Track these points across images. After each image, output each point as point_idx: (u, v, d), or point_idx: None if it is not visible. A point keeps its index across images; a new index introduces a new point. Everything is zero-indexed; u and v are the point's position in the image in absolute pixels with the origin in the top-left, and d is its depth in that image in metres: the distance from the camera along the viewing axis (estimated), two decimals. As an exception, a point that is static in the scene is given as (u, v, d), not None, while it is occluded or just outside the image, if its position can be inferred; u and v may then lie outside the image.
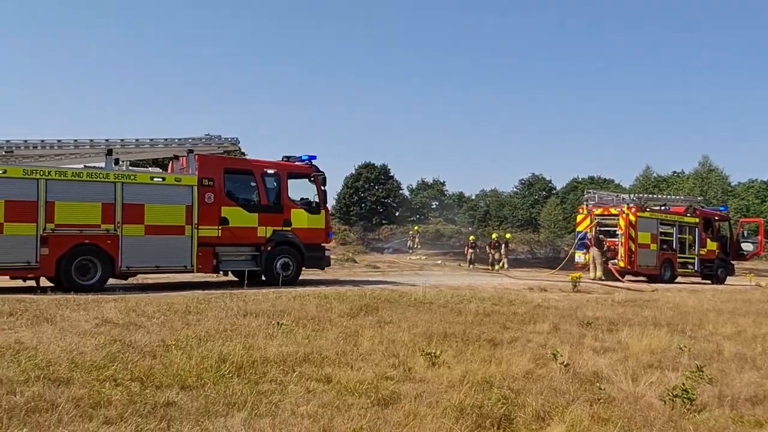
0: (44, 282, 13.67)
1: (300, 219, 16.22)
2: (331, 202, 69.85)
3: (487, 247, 32.26)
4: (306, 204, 16.58)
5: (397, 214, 68.31)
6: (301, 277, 16.58)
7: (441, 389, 6.56)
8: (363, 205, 66.39)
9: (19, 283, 14.11)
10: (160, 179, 14.94)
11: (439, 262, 34.34)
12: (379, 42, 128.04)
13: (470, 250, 32.04)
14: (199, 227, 14.73)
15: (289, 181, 16.42)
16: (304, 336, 8.82)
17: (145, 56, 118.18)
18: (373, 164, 68.89)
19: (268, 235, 15.74)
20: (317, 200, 16.69)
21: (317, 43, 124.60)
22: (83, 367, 6.65)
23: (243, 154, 54.09)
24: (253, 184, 15.91)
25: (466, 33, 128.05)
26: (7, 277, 13.84)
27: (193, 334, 8.55)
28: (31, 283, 13.77)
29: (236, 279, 16.66)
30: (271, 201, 16.00)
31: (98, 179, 13.90)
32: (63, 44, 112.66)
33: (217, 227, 15.01)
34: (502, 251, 31.53)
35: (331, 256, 18.93)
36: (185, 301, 11.38)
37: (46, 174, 13.28)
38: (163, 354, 7.39)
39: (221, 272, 16.21)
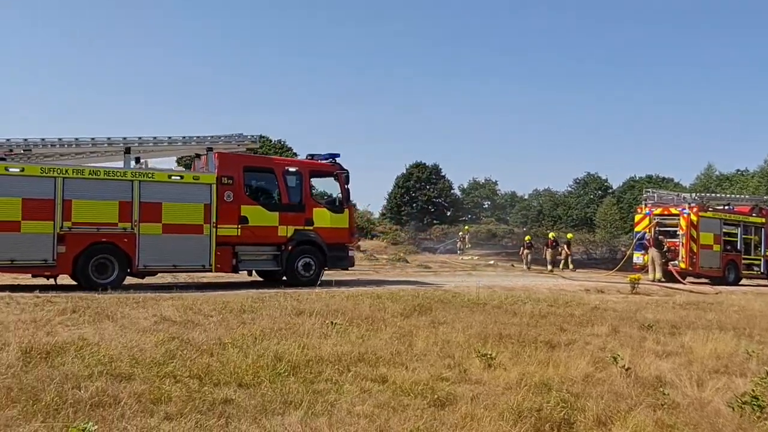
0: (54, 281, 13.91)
1: (323, 218, 15.97)
2: (381, 202, 70.48)
3: (544, 247, 31.64)
4: (329, 203, 16.41)
5: (448, 213, 67.99)
6: (351, 277, 16.64)
7: (498, 391, 6.48)
8: (414, 204, 66.31)
9: (38, 280, 14.16)
10: (178, 177, 14.89)
11: (492, 262, 34.00)
12: (429, 40, 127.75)
13: (526, 251, 31.57)
14: (218, 226, 14.62)
15: (311, 179, 16.26)
16: (358, 336, 8.84)
17: (208, 56, 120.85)
18: (425, 164, 68.75)
19: (289, 235, 15.50)
20: (341, 199, 16.41)
21: (367, 42, 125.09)
22: (143, 363, 6.83)
23: (295, 154, 54.61)
24: (274, 182, 15.71)
25: (519, 31, 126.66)
26: (29, 275, 14.06)
27: (249, 332, 8.66)
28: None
29: (261, 279, 16.77)
30: (292, 200, 15.74)
31: (115, 177, 13.92)
32: (116, 44, 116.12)
33: (236, 226, 14.89)
34: (564, 251, 30.91)
35: (383, 257, 18.92)
36: (240, 300, 11.56)
37: (64, 172, 13.39)
38: (220, 352, 7.52)
39: (240, 272, 16.01)
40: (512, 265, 32.19)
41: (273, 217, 15.35)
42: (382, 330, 9.40)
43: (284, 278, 15.73)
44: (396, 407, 5.75)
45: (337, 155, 16.70)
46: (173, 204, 14.22)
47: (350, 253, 16.57)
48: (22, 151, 13.72)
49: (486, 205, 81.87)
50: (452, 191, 71.10)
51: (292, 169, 15.92)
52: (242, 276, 17.05)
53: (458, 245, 42.22)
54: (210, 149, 15.05)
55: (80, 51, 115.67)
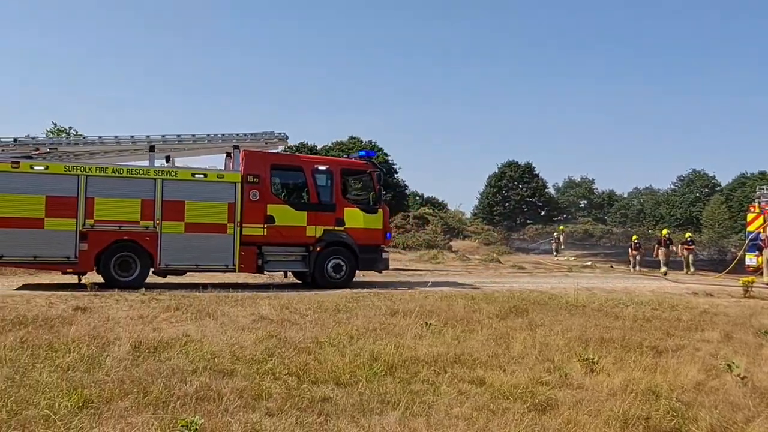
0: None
1: (355, 218, 15.52)
2: (473, 202, 69.96)
3: (655, 246, 29.95)
4: (362, 203, 15.94)
5: (542, 213, 66.52)
6: (442, 278, 16.49)
7: (601, 397, 6.25)
8: (506, 204, 65.33)
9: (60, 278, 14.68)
10: (202, 176, 14.61)
11: (589, 263, 32.94)
12: (522, 38, 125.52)
13: (634, 252, 30.16)
14: (243, 225, 14.52)
15: (343, 178, 15.86)
16: (453, 337, 8.79)
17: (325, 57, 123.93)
18: (517, 162, 67.60)
19: (318, 235, 15.13)
20: (374, 199, 15.88)
21: (457, 41, 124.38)
22: (244, 360, 7.07)
23: (386, 155, 54.84)
24: (302, 181, 15.47)
25: (617, 27, 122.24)
26: (50, 271, 14.60)
27: (344, 331, 8.80)
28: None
29: (299, 282, 16.58)
30: (322, 199, 15.39)
31: (138, 176, 14.02)
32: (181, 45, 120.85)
33: (262, 225, 14.69)
34: (682, 250, 29.35)
35: (475, 257, 18.48)
36: (335, 300, 11.76)
37: (87, 170, 13.62)
38: (317, 351, 7.67)
39: (266, 273, 15.75)
40: (611, 267, 31.10)
41: (301, 217, 15.05)
42: (477, 331, 9.30)
43: (312, 280, 15.38)
44: (495, 410, 5.67)
45: (373, 153, 16.50)
46: (196, 202, 14.23)
47: (384, 255, 16.00)
48: (47, 150, 14.24)
49: (582, 205, 79.50)
50: (546, 190, 69.52)
51: (321, 168, 15.61)
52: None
53: (553, 245, 41.20)
54: (236, 147, 15.12)
55: (184, 51, 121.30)
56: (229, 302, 11.22)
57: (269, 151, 15.90)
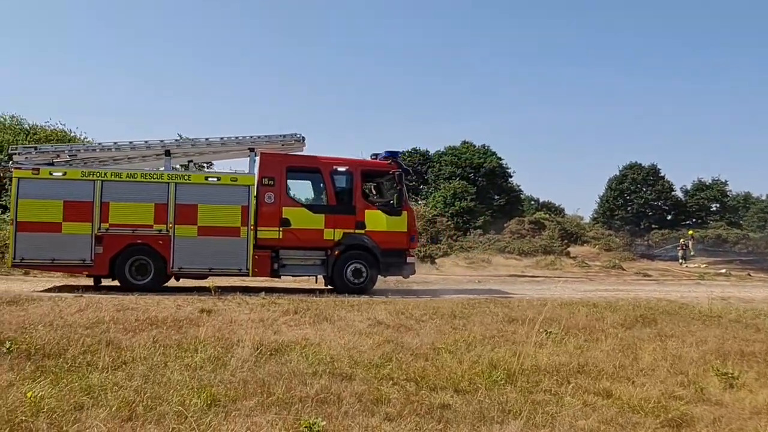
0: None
1: (376, 221, 15.01)
2: (592, 206, 67.59)
3: None
4: (384, 205, 15.31)
5: (669, 217, 63.16)
6: (563, 285, 15.99)
7: (743, 415, 5.85)
8: (629, 208, 62.59)
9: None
10: (215, 179, 14.70)
11: (723, 270, 30.91)
12: (647, 39, 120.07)
13: None
14: (259, 228, 14.45)
15: (364, 179, 15.47)
16: (575, 346, 8.51)
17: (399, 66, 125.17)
18: (640, 164, 64.63)
19: (337, 239, 14.80)
20: (401, 200, 15.25)
21: (568, 40, 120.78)
22: (362, 364, 7.18)
23: (499, 159, 53.88)
24: (320, 183, 15.19)
25: (741, 20, 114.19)
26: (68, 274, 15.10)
27: (461, 338, 8.75)
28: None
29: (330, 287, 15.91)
30: (340, 201, 15.02)
31: (152, 180, 14.36)
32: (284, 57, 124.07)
33: (278, 229, 14.54)
34: None
35: (596, 263, 17.41)
36: (450, 306, 11.72)
37: (102, 175, 14.06)
38: (434, 357, 7.67)
39: (282, 277, 15.32)
40: (748, 275, 29.01)
41: (318, 220, 14.77)
42: (601, 341, 8.96)
43: (332, 285, 15.13)
44: (624, 425, 5.43)
45: (397, 154, 15.81)
46: (209, 206, 14.27)
47: (409, 259, 15.27)
48: (68, 156, 14.83)
49: (714, 208, 74.66)
50: (673, 193, 65.93)
51: (341, 169, 15.19)
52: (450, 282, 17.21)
53: (680, 252, 38.98)
54: (252, 150, 15.07)
55: (292, 53, 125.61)
56: (345, 307, 11.44)
57: (288, 153, 15.65)
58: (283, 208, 14.57)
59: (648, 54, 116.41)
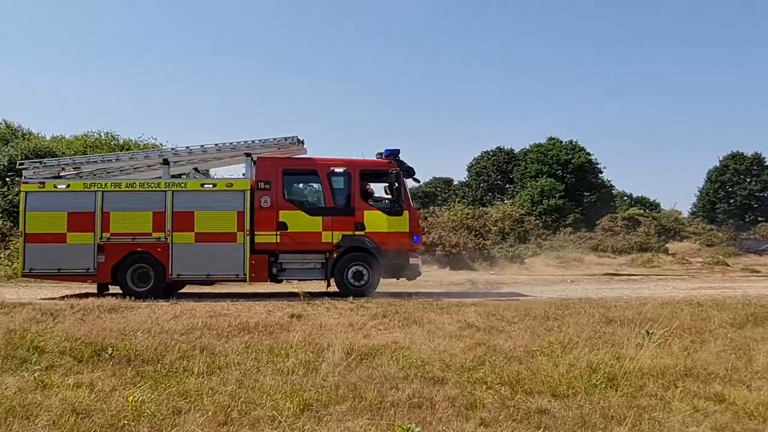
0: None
1: (377, 222, 14.66)
2: (691, 200, 64.66)
3: None
4: (384, 205, 14.98)
5: (777, 209, 59.53)
6: (663, 284, 15.26)
7: None
8: (732, 201, 59.45)
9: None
10: (211, 186, 14.87)
11: (844, 265, 28.84)
12: (728, 24, 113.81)
13: None
14: (256, 233, 14.43)
15: (363, 180, 15.05)
16: (681, 347, 8.08)
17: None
18: (743, 154, 61.26)
19: (336, 241, 14.56)
20: (400, 200, 14.81)
21: (660, 30, 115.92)
22: (454, 368, 7.09)
23: (588, 155, 52.51)
24: (316, 185, 15.08)
25: None
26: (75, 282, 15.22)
27: (556, 340, 8.49)
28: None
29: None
30: (338, 203, 14.78)
31: (150, 189, 14.55)
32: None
33: (275, 233, 14.46)
34: None
35: (697, 260, 16.26)
36: (543, 307, 11.41)
37: (103, 186, 14.45)
38: (529, 360, 7.47)
39: (281, 281, 15.14)
40: None
41: (315, 223, 14.58)
42: (709, 342, 8.48)
43: (335, 288, 14.81)
44: (740, 432, 5.08)
45: (398, 152, 15.21)
46: (205, 212, 14.38)
47: (412, 260, 14.80)
48: (72, 169, 15.31)
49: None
50: (780, 182, 62.16)
51: (338, 170, 14.88)
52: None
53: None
54: (249, 155, 15.07)
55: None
56: (434, 310, 11.35)
57: (284, 156, 15.49)
58: (280, 211, 14.53)
59: (740, 42, 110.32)
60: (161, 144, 37.40)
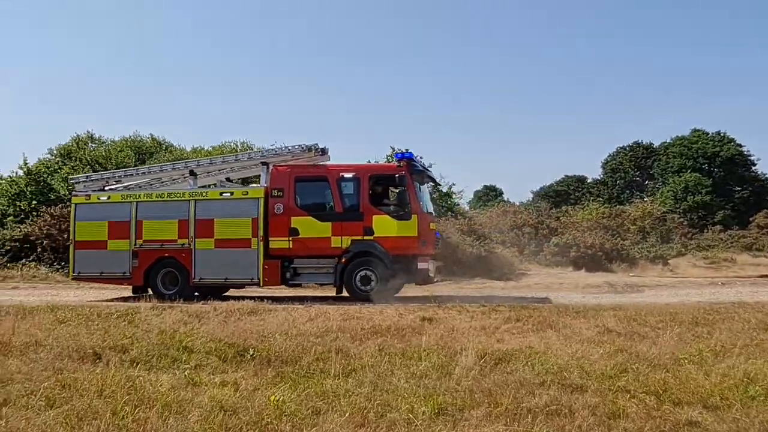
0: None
1: (386, 227, 14.74)
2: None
3: None
4: (393, 209, 14.96)
5: None
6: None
7: None
8: None
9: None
10: (229, 194, 15.71)
11: None
12: None
13: None
14: (270, 239, 15.01)
15: (372, 185, 15.15)
16: None
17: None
18: None
19: (345, 246, 14.80)
20: (405, 204, 14.79)
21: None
22: (593, 375, 6.88)
23: (740, 147, 49.04)
24: (326, 191, 15.26)
25: None
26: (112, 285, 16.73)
27: (707, 347, 8.02)
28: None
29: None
30: (347, 208, 15.00)
31: (176, 198, 15.68)
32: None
33: (287, 238, 14.98)
34: None
35: None
36: (691, 312, 10.80)
37: (137, 197, 15.80)
38: (676, 368, 7.11)
39: (294, 286, 15.51)
40: None
41: (325, 228, 14.94)
42: None
43: (345, 293, 15.01)
44: None
45: (410, 155, 15.29)
46: (224, 219, 15.25)
47: (420, 265, 14.64)
48: (114, 182, 16.88)
49: None
50: None
51: (347, 176, 15.16)
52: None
53: None
54: (265, 164, 15.78)
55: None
56: (570, 314, 11.07)
57: (298, 164, 16.10)
58: (292, 218, 15.07)
59: None
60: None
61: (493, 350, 8.19)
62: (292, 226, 15.03)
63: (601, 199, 50.84)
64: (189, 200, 15.60)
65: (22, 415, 5.44)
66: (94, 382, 6.48)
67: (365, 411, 5.69)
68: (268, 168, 15.81)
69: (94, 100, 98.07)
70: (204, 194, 15.85)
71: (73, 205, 16.50)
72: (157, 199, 15.94)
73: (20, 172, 29.85)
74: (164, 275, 15.62)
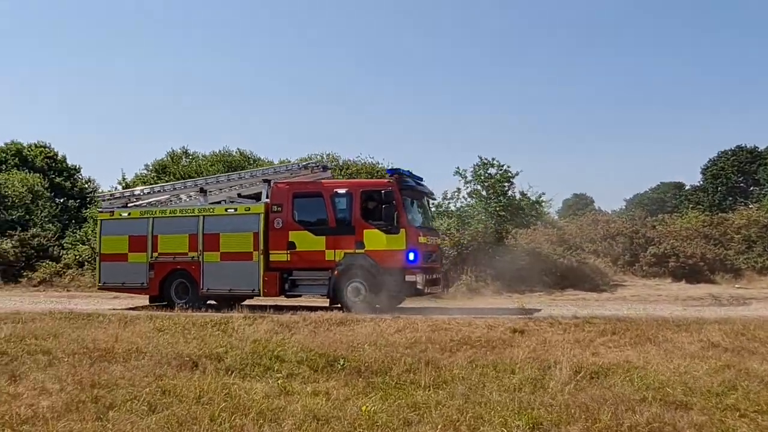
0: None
1: (375, 240, 15.36)
2: None
3: None
4: (382, 224, 15.38)
5: None
6: None
7: None
8: None
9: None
10: (233, 210, 16.82)
11: None
12: None
13: None
14: (270, 252, 15.91)
15: (363, 200, 15.73)
16: None
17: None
18: None
19: (338, 259, 15.52)
20: (392, 218, 15.25)
21: None
22: (698, 392, 6.60)
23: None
24: (321, 206, 16.01)
25: None
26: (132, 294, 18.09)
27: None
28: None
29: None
30: (340, 222, 15.75)
31: (187, 214, 16.88)
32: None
33: (285, 252, 15.83)
34: None
35: None
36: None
37: (154, 213, 17.12)
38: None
39: (292, 296, 16.35)
40: None
41: (319, 242, 15.72)
42: None
43: (336, 304, 15.64)
44: None
45: (399, 171, 16.09)
46: (229, 234, 16.31)
47: (408, 278, 15.03)
48: (135, 200, 18.23)
49: None
50: None
51: (340, 191, 16.07)
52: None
53: None
54: (267, 182, 16.85)
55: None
56: (671, 327, 10.66)
57: (296, 181, 17.08)
58: (290, 232, 15.91)
59: None
60: (378, 163, 39.39)
61: (588, 364, 8.01)
62: (290, 239, 15.94)
63: (701, 206, 48.70)
64: (198, 216, 16.80)
65: (126, 418, 5.73)
66: (192, 388, 6.77)
67: (457, 423, 5.67)
68: (269, 185, 16.88)
69: (187, 118, 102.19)
70: (211, 210, 16.98)
71: (99, 221, 18.22)
72: (170, 215, 17.22)
73: (119, 187, 31.52)
74: (177, 286, 16.81)
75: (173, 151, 42.41)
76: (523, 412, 5.91)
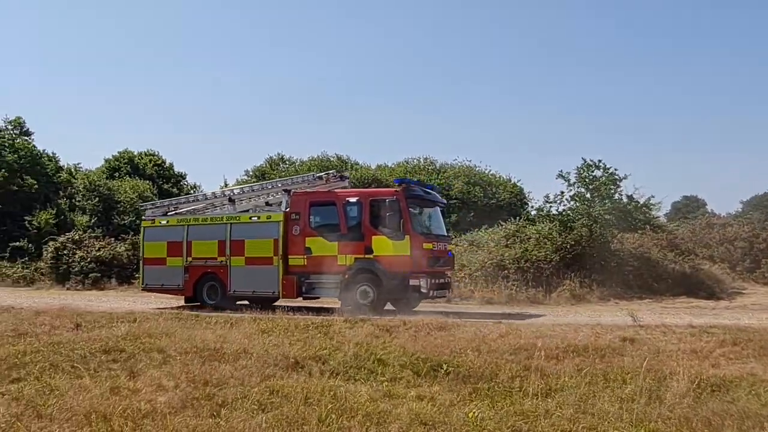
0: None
1: (383, 246, 16.46)
2: None
3: None
4: (389, 231, 16.41)
5: None
6: None
7: None
8: None
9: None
10: (256, 218, 18.35)
11: None
12: None
13: None
14: (289, 257, 17.29)
15: (372, 207, 16.73)
16: None
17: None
18: None
19: (349, 264, 16.63)
20: (397, 225, 16.27)
21: None
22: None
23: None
24: (334, 214, 17.20)
25: None
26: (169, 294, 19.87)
27: None
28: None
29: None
30: (350, 229, 16.88)
31: (217, 222, 18.51)
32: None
33: (303, 256, 17.15)
34: None
35: None
36: None
37: (188, 221, 18.90)
38: None
39: (306, 298, 17.71)
40: None
41: (332, 247, 16.88)
42: None
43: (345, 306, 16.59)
44: None
45: (408, 181, 18.12)
46: (253, 240, 17.77)
47: (412, 282, 16.14)
48: (173, 209, 20.05)
49: None
50: None
51: (351, 200, 17.12)
52: None
53: None
54: (287, 191, 18.18)
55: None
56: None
57: (313, 190, 18.42)
58: (306, 238, 17.27)
59: None
60: (475, 165, 39.16)
61: (708, 376, 7.66)
62: (306, 245, 17.32)
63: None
64: (226, 224, 18.37)
65: (239, 416, 5.95)
66: (299, 389, 6.94)
67: (570, 433, 5.54)
68: (289, 194, 18.24)
69: (284, 128, 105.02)
70: (238, 218, 18.63)
71: (143, 228, 20.07)
72: (202, 222, 18.92)
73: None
74: (208, 288, 18.41)
75: (271, 157, 43.84)
76: (640, 425, 5.72)
